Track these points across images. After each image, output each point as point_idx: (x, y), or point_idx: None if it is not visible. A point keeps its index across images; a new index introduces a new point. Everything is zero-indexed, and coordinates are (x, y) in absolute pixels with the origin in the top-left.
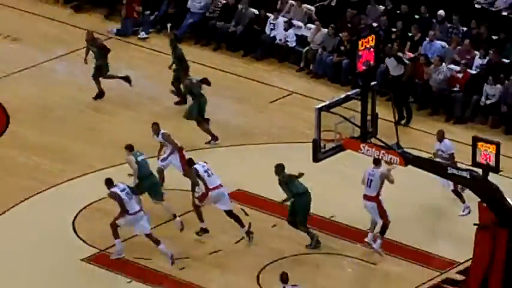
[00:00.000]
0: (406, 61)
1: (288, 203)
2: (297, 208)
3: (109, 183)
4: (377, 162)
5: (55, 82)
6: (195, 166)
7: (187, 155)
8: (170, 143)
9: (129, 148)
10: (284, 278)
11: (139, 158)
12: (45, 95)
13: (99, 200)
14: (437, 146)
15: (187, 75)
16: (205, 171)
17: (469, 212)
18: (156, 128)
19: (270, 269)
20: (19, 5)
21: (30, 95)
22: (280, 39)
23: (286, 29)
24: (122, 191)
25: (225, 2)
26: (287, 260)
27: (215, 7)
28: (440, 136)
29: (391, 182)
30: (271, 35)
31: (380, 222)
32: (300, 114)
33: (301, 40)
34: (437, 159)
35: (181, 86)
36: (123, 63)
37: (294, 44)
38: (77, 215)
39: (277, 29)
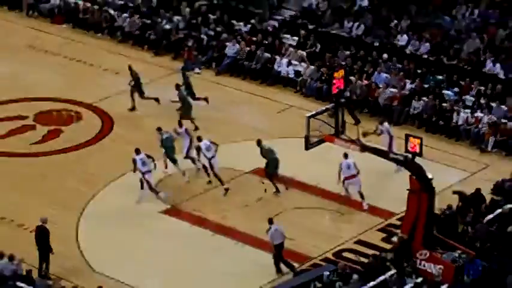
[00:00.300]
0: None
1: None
2: (269, 166)
3: None
4: (346, 156)
5: (141, 100)
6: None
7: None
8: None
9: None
10: (270, 220)
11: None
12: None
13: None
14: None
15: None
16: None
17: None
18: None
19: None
20: (120, 50)
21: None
22: (284, 73)
23: (287, 66)
24: None
25: (248, 49)
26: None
27: (243, 53)
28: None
29: None
30: (278, 70)
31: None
32: (297, 120)
33: (297, 73)
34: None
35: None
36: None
37: (293, 75)
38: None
39: (282, 66)
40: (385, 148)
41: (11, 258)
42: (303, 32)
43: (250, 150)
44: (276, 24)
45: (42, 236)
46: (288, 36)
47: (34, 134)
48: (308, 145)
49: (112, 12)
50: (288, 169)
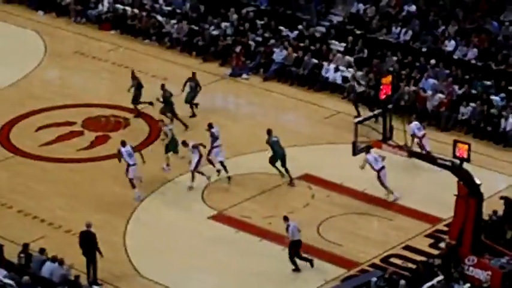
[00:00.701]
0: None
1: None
2: (275, 156)
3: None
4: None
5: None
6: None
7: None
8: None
9: None
10: (286, 218)
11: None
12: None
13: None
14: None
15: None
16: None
17: None
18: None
19: (327, 223)
20: (167, 56)
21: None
22: (331, 78)
23: (335, 72)
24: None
25: (296, 55)
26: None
27: (290, 59)
28: (409, 121)
29: None
30: (326, 76)
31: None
32: (344, 126)
33: (344, 79)
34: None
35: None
36: (232, 94)
37: (340, 81)
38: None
39: (329, 72)
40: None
41: (61, 262)
42: (350, 37)
43: (297, 156)
44: (324, 30)
45: (86, 241)
46: (336, 42)
47: (82, 140)
48: (356, 151)
49: (160, 18)
50: (336, 175)
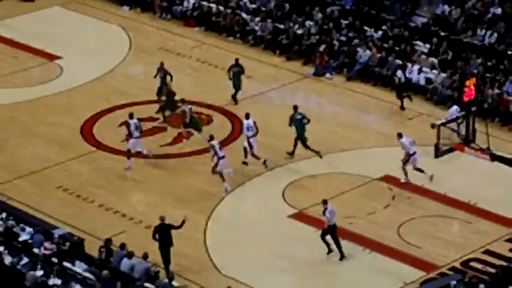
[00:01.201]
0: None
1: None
2: (298, 132)
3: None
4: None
5: (272, 105)
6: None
7: None
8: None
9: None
10: (325, 201)
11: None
12: (266, 114)
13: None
14: None
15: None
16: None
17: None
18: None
19: (407, 225)
20: (251, 54)
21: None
22: (415, 79)
23: (418, 73)
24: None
25: (380, 55)
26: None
27: (374, 59)
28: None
29: None
30: (409, 77)
31: None
32: (427, 127)
33: (428, 80)
34: None
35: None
36: (314, 93)
37: (423, 82)
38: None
39: (413, 73)
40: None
41: (145, 256)
42: (435, 39)
43: (380, 156)
44: (408, 30)
45: (162, 234)
46: (420, 43)
47: (165, 136)
48: (438, 153)
49: (244, 16)
50: (417, 177)
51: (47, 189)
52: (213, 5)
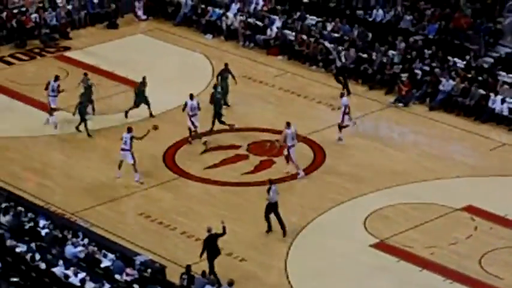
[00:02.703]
0: None
1: None
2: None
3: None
4: None
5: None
6: None
7: None
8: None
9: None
10: (270, 181)
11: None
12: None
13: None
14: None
15: None
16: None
17: None
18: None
19: (489, 256)
20: (333, 83)
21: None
22: (498, 110)
23: (502, 103)
24: None
25: (463, 85)
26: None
27: (457, 89)
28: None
29: None
30: (492, 107)
31: None
32: (510, 158)
33: (511, 110)
34: None
35: None
36: (397, 122)
37: (507, 113)
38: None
39: (496, 103)
40: None
41: (230, 283)
42: None
43: (462, 187)
44: (491, 60)
45: (211, 243)
46: (503, 73)
47: (246, 164)
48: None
49: (327, 45)
50: (500, 207)
51: (129, 216)
52: (296, 34)
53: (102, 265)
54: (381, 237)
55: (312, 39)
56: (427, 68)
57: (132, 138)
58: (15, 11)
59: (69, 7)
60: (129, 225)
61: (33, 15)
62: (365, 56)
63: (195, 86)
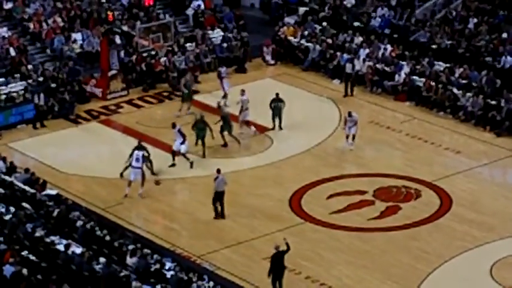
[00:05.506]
0: None
1: None
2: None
3: None
4: None
5: (482, 181)
6: None
7: None
8: None
9: None
10: (218, 170)
11: None
12: (476, 191)
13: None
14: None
15: None
16: None
17: None
18: None
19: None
20: (461, 129)
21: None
22: None
23: None
24: None
25: None
26: None
27: None
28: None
29: None
30: None
31: None
32: None
33: None
34: None
35: None
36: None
37: None
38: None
39: None
40: None
41: None
42: None
43: None
44: None
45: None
46: None
47: (372, 210)
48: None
49: (456, 91)
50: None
51: (254, 260)
52: (424, 80)
53: None
54: (508, 285)
55: (440, 85)
56: None
57: (143, 156)
58: (144, 54)
59: (197, 51)
60: (254, 269)
61: (163, 59)
62: (493, 102)
63: (322, 131)
